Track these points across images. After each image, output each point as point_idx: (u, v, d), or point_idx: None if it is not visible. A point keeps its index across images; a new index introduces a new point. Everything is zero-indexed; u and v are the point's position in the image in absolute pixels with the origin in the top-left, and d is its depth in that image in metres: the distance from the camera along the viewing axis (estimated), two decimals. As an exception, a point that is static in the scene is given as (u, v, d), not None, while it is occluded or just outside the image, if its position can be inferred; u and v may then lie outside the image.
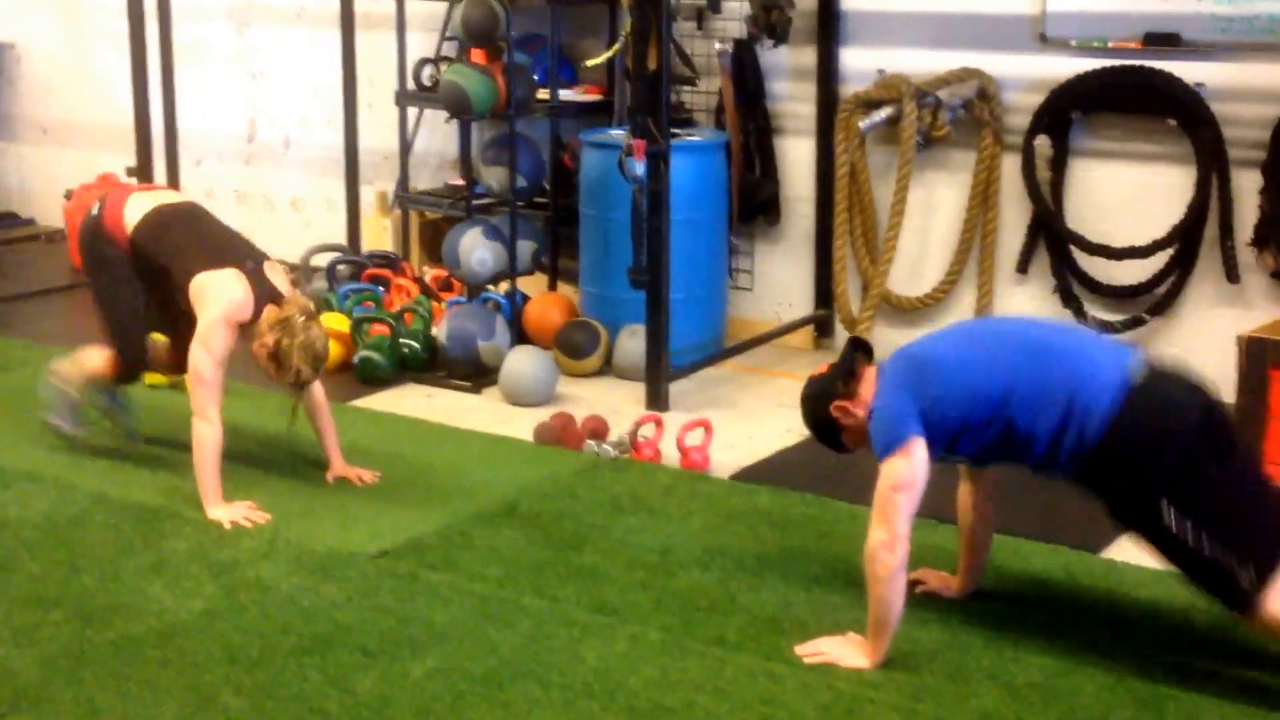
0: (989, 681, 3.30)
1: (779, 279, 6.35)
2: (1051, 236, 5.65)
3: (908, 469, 3.27)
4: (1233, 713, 3.17)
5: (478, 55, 5.89)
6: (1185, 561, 3.22)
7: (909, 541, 3.28)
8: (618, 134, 5.79)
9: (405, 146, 6.64)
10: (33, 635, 3.50)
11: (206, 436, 4.19)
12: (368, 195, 7.14)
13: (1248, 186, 5.24)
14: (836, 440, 3.56)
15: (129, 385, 4.79)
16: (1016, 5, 5.61)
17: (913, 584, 3.61)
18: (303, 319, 4.20)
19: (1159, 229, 5.38)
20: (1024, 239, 5.72)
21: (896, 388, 3.37)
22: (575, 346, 5.80)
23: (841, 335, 6.16)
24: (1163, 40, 5.29)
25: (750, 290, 6.38)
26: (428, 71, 6.39)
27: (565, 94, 6.30)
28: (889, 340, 3.67)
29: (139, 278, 4.47)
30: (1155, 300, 5.48)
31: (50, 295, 7.03)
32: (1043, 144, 5.58)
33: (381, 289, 6.26)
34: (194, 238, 4.37)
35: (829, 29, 5.97)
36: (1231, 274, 5.29)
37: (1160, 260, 5.43)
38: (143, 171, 6.52)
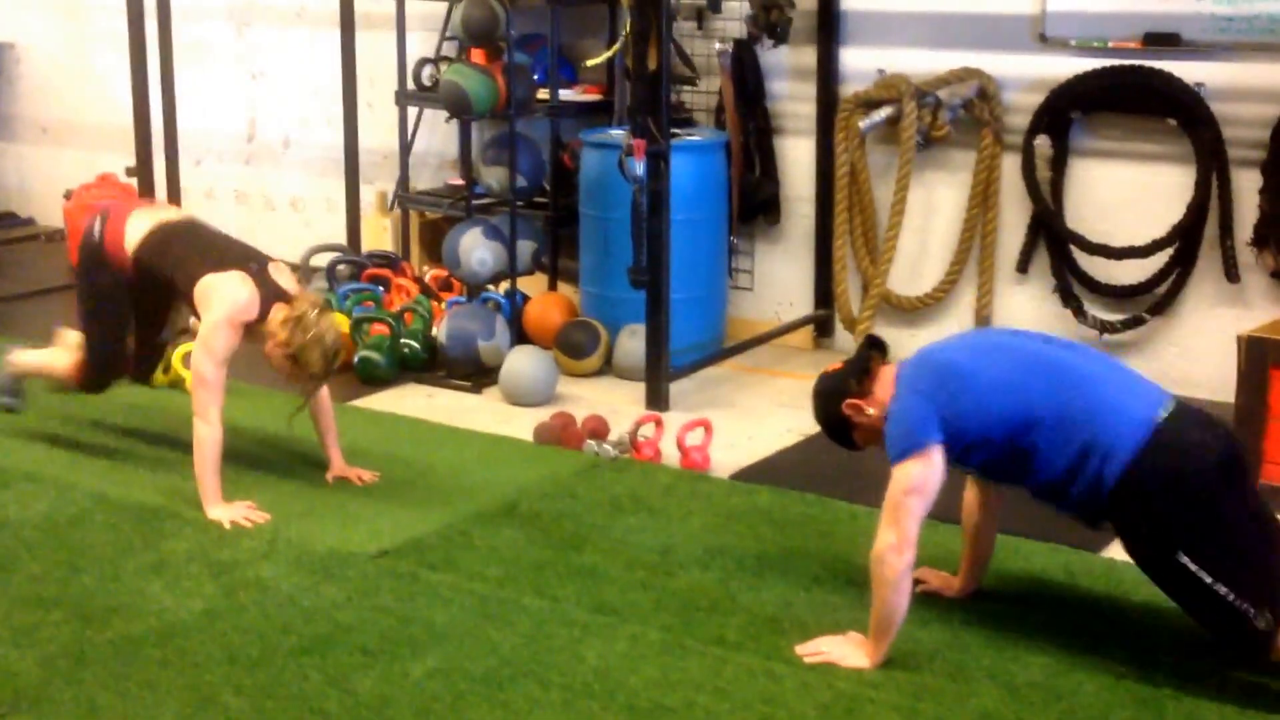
0: (989, 681, 3.30)
1: (779, 279, 6.35)
2: (1051, 236, 5.65)
3: (923, 475, 3.26)
4: (1233, 713, 3.17)
5: (478, 55, 5.90)
6: (1199, 604, 3.23)
7: (917, 546, 3.28)
8: (618, 134, 5.79)
9: (405, 146, 6.63)
10: (33, 635, 3.49)
11: (207, 437, 4.19)
12: (368, 195, 7.14)
13: (1247, 186, 5.24)
14: (847, 438, 3.54)
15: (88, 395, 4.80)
16: (1016, 5, 5.61)
17: (914, 583, 3.60)
18: (315, 313, 4.19)
19: (1159, 229, 5.38)
20: (1024, 239, 5.73)
21: (916, 392, 3.34)
22: (575, 346, 5.80)
23: (841, 335, 6.16)
24: (1162, 40, 5.29)
25: (750, 290, 6.38)
26: (428, 71, 6.38)
27: (565, 94, 6.30)
28: (889, 340, 3.66)
29: (141, 293, 4.48)
30: (1155, 300, 5.48)
31: (50, 295, 7.01)
32: (1043, 144, 5.58)
33: (381, 289, 6.26)
34: (195, 248, 4.37)
35: (829, 29, 5.97)
36: (1231, 274, 5.29)
37: (1160, 260, 5.43)
38: (142, 171, 6.48)
